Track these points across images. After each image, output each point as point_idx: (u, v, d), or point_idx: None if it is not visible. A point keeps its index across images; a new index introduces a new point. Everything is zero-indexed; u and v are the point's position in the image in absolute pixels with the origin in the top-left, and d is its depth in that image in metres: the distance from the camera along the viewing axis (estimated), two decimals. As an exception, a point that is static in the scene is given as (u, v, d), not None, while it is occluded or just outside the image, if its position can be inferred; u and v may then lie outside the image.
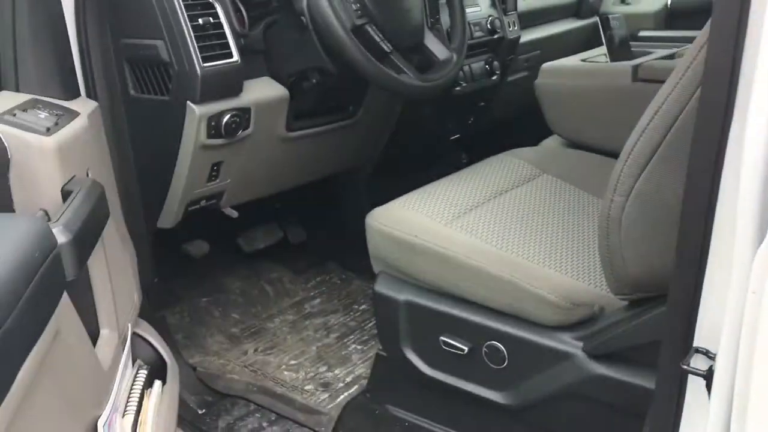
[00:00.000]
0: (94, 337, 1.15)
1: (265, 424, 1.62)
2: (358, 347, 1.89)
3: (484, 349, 1.29)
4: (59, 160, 1.06)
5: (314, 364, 1.83)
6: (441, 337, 1.34)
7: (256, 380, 1.75)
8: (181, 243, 1.98)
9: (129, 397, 1.23)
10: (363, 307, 2.10)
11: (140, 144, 1.57)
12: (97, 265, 1.16)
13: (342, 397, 1.67)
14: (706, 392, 0.79)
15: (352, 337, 1.95)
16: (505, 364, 1.28)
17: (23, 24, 1.26)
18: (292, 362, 1.84)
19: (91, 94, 1.44)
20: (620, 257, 1.06)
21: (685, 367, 0.82)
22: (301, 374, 1.78)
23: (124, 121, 1.55)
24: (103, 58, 1.46)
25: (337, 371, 1.79)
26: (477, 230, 1.35)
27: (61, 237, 0.87)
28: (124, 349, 1.25)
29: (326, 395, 1.69)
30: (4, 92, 1.27)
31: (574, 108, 1.83)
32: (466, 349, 1.31)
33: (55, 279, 0.83)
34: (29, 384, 0.75)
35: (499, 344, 1.28)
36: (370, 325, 2.00)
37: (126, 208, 1.53)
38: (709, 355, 0.80)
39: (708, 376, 0.80)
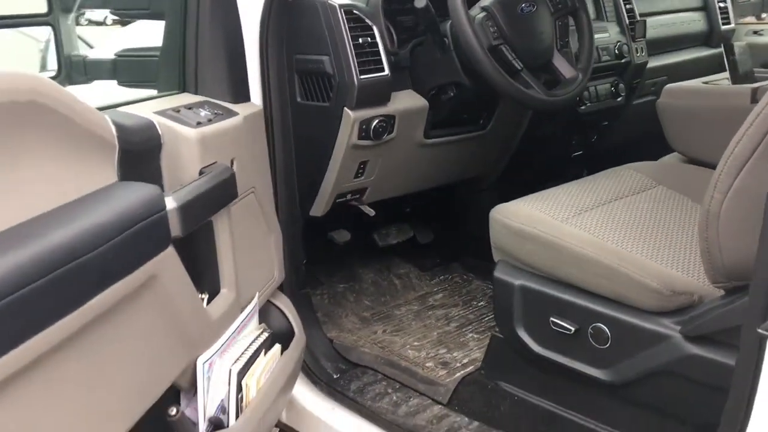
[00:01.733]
0: (214, 292, 1.39)
1: (390, 390, 1.85)
2: (475, 336, 2.08)
3: (590, 330, 1.45)
4: (199, 148, 1.31)
5: (435, 347, 2.04)
6: (551, 318, 1.52)
7: (384, 354, 1.98)
8: (328, 231, 2.26)
9: (245, 351, 1.43)
10: (481, 303, 2.29)
11: (302, 143, 1.85)
12: (222, 235, 1.39)
13: (459, 374, 1.86)
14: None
15: (470, 327, 2.14)
16: (608, 345, 1.43)
17: (205, 40, 1.58)
18: (416, 343, 2.06)
19: (266, 100, 1.75)
20: (717, 248, 1.20)
21: (761, 331, 0.96)
22: (423, 353, 2.00)
23: (290, 124, 1.85)
24: (278, 70, 1.76)
25: (455, 353, 1.99)
26: (590, 227, 1.52)
27: (170, 203, 1.12)
28: (244, 310, 1.47)
29: (444, 371, 1.89)
30: (185, 93, 1.59)
31: (693, 126, 1.94)
32: (573, 329, 1.47)
33: (158, 233, 1.08)
34: (120, 306, 0.97)
35: (603, 326, 1.43)
36: (487, 318, 2.19)
37: (284, 198, 1.82)
38: (782, 322, 0.94)
39: (780, 338, 0.94)
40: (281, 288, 1.80)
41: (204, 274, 1.35)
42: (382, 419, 1.73)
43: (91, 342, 0.92)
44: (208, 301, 1.36)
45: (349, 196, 1.98)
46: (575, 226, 1.53)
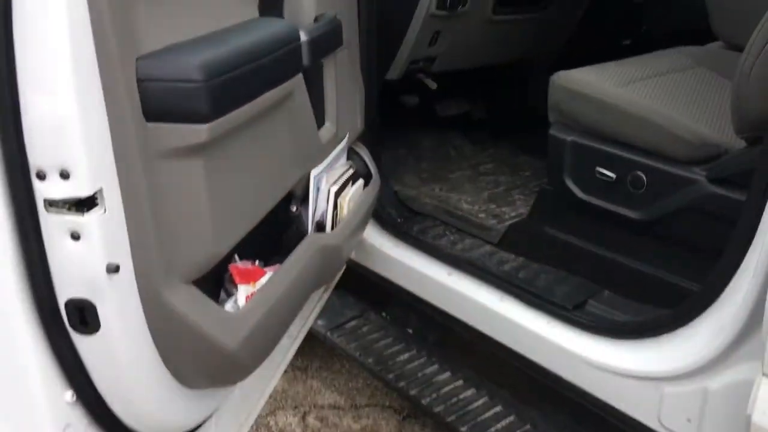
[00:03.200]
0: (320, 123, 1.66)
1: (447, 233, 2.16)
2: (521, 197, 2.38)
3: (629, 177, 1.73)
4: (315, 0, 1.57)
5: (486, 203, 2.34)
6: (596, 168, 1.79)
7: (441, 205, 2.29)
8: (399, 95, 2.53)
9: (339, 178, 1.73)
10: (527, 174, 2.57)
11: (384, 11, 2.08)
12: (328, 78, 1.67)
13: (508, 222, 2.17)
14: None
15: (517, 190, 2.44)
16: (643, 189, 1.71)
17: None
18: (469, 199, 2.36)
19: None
20: (746, 101, 1.45)
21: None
22: (476, 207, 2.31)
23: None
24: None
25: (503, 209, 2.29)
26: (636, 92, 1.77)
27: (303, 36, 1.38)
28: (340, 143, 1.76)
29: (495, 221, 2.20)
30: None
31: (737, 15, 2.14)
32: (614, 177, 1.75)
33: (295, 58, 1.33)
34: (271, 108, 1.23)
35: (641, 173, 1.71)
36: (532, 184, 2.47)
37: (365, 59, 2.07)
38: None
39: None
40: (360, 139, 2.09)
41: (314, 108, 1.63)
42: (442, 253, 2.05)
43: (257, 129, 1.22)
44: (317, 130, 1.65)
45: (421, 63, 2.23)
46: (623, 90, 1.78)
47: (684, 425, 1.48)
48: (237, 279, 1.25)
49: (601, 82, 1.81)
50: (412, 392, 1.97)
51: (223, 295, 1.27)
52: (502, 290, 1.88)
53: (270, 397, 2.70)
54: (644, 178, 1.71)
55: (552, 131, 1.91)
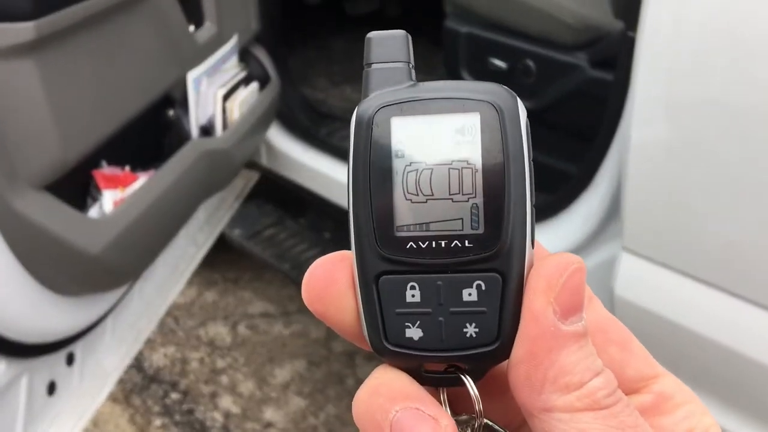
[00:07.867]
0: (199, 25, 1.59)
1: (354, 134, 2.15)
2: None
3: (520, 66, 1.73)
4: None
5: (396, 102, 2.32)
6: (489, 59, 1.78)
7: (351, 106, 2.26)
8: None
9: (228, 81, 1.67)
10: (443, 70, 2.54)
11: None
12: None
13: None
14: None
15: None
16: (533, 78, 1.71)
17: None
18: (380, 99, 2.33)
19: None
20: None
21: (630, 33, 1.23)
22: (385, 107, 2.28)
23: None
24: None
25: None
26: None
27: None
28: (226, 44, 1.68)
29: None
30: None
31: None
32: (506, 66, 1.75)
33: None
34: (123, 5, 1.16)
35: (530, 61, 1.70)
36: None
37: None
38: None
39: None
40: (258, 41, 2.03)
41: (190, 7, 1.57)
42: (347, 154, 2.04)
43: (107, 30, 1.17)
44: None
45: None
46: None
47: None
48: (101, 184, 1.23)
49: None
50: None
51: (89, 201, 1.26)
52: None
53: (200, 309, 2.75)
54: (533, 66, 1.70)
55: (447, 23, 1.88)
